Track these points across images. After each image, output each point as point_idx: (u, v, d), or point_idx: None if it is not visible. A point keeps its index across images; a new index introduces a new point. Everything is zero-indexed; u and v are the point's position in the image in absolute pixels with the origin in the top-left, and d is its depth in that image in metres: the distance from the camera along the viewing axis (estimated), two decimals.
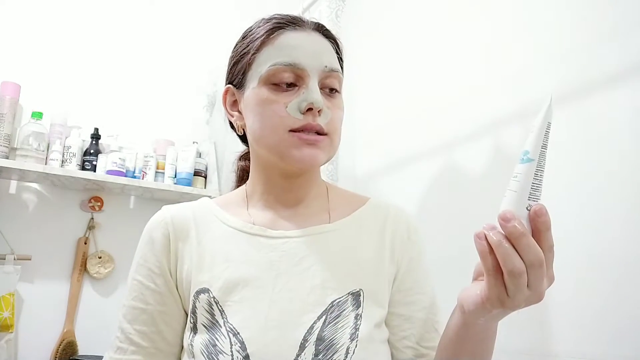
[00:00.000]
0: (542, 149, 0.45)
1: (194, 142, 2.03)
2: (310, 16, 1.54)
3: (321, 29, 0.71)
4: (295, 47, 0.66)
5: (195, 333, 0.64)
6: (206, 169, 2.02)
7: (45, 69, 1.83)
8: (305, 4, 1.55)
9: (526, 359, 0.95)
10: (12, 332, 1.58)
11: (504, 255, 0.43)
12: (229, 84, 0.73)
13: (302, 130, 0.64)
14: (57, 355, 1.67)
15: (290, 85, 0.65)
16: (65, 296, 1.76)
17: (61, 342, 1.70)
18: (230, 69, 0.73)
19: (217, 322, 0.62)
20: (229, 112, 0.74)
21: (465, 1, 1.31)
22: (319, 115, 0.64)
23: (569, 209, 0.94)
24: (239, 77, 0.70)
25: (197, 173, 1.96)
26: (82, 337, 1.75)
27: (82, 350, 1.73)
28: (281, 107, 0.64)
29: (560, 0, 1.04)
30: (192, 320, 0.65)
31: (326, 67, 0.66)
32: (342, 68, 0.73)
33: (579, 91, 0.96)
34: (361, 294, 0.65)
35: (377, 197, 0.79)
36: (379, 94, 1.60)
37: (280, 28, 0.67)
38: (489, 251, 0.44)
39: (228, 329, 0.61)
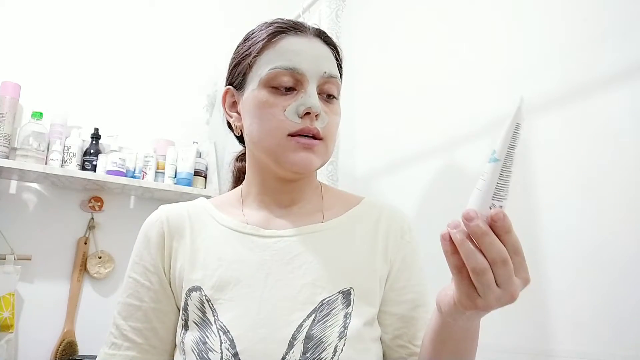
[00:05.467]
0: (510, 150, 0.44)
1: (194, 142, 2.03)
2: (310, 16, 1.55)
3: (322, 35, 0.72)
4: (296, 52, 0.67)
5: (186, 330, 0.65)
6: (206, 169, 2.02)
7: (45, 69, 1.83)
8: (305, 4, 1.55)
9: (526, 358, 0.95)
10: (12, 332, 1.58)
11: (467, 253, 0.43)
12: (229, 85, 0.74)
13: (299, 135, 0.65)
14: (57, 355, 1.67)
15: (289, 89, 0.66)
16: (65, 296, 1.76)
17: (61, 342, 1.70)
18: (231, 71, 0.74)
19: (208, 319, 0.63)
20: (227, 113, 0.75)
21: (466, 1, 1.31)
22: (316, 119, 0.66)
23: (568, 209, 0.94)
24: (239, 78, 0.71)
25: (197, 173, 1.96)
26: (82, 337, 1.75)
27: (82, 350, 1.73)
28: (279, 111, 0.65)
29: (560, 1, 1.04)
30: (183, 318, 0.66)
31: (325, 72, 0.67)
32: (341, 75, 0.74)
33: (579, 91, 0.96)
34: (352, 292, 0.65)
35: (376, 197, 0.79)
36: (379, 94, 1.60)
37: (282, 32, 0.68)
38: (453, 250, 0.45)
39: (218, 326, 0.62)
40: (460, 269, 0.45)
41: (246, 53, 0.70)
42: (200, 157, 2.01)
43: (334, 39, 0.74)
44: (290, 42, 0.68)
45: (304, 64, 0.66)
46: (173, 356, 0.68)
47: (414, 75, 1.45)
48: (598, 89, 0.93)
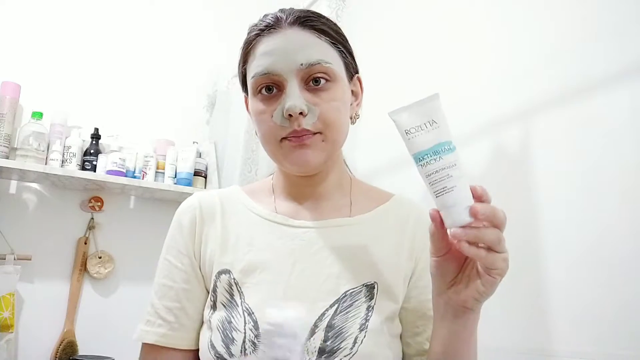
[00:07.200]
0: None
1: (194, 142, 2.03)
2: None
3: (300, 21, 0.67)
4: (268, 53, 0.66)
5: (214, 310, 0.67)
6: (206, 169, 2.02)
7: (45, 69, 1.83)
8: (305, 4, 1.55)
9: (526, 358, 0.95)
10: (12, 332, 1.58)
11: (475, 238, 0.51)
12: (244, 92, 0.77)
13: (290, 137, 0.65)
14: (57, 355, 1.67)
15: (276, 91, 0.66)
16: (65, 296, 1.76)
17: (61, 342, 1.70)
18: (240, 78, 0.76)
19: (235, 301, 0.65)
20: (251, 117, 0.76)
21: (466, 1, 1.31)
22: (304, 116, 0.64)
23: (568, 208, 0.94)
24: (243, 85, 0.74)
25: (197, 173, 1.96)
26: (82, 337, 1.75)
27: (82, 350, 1.73)
28: (268, 117, 0.65)
29: (560, 1, 1.04)
30: (212, 299, 0.68)
31: (302, 64, 0.64)
32: (343, 50, 0.71)
33: (579, 91, 0.96)
34: (375, 286, 0.66)
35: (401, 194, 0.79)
36: (379, 94, 1.60)
37: (258, 35, 0.68)
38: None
39: (244, 308, 0.64)
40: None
41: (239, 61, 0.73)
42: (200, 157, 2.01)
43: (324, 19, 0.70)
44: (264, 45, 0.67)
45: (278, 63, 0.64)
46: (199, 333, 0.70)
47: (414, 75, 1.45)
48: (598, 89, 0.93)
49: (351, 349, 0.61)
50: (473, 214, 0.48)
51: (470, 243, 0.49)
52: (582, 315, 0.88)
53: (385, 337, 0.65)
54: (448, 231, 0.50)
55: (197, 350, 0.68)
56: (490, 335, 1.05)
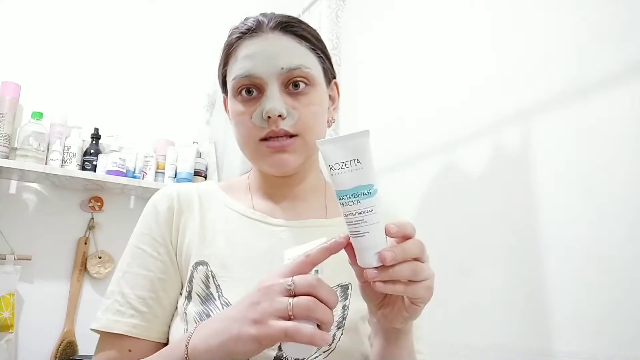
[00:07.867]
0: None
1: (194, 142, 2.03)
2: (310, 17, 1.55)
3: (281, 26, 0.70)
4: (250, 56, 0.67)
5: (189, 301, 0.66)
6: (206, 169, 2.02)
7: (45, 69, 1.83)
8: (305, 4, 1.55)
9: (526, 358, 0.95)
10: (12, 332, 1.58)
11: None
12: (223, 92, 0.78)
13: (269, 138, 0.66)
14: (57, 355, 1.67)
15: (256, 93, 0.68)
16: (65, 296, 1.76)
17: (61, 342, 1.70)
18: (220, 79, 0.77)
19: (212, 294, 0.65)
20: (230, 119, 0.77)
21: (466, 1, 1.31)
22: (282, 119, 0.66)
23: (569, 208, 0.94)
24: (223, 87, 0.75)
25: (197, 173, 1.96)
26: (82, 337, 1.75)
27: (82, 350, 1.73)
28: (247, 118, 0.67)
29: (560, 0, 1.04)
30: (187, 289, 0.67)
31: (283, 68, 0.66)
32: (322, 55, 0.72)
33: (579, 91, 0.96)
34: (349, 287, 0.67)
35: None
36: (379, 95, 1.60)
37: (239, 38, 0.70)
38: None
39: (223, 302, 0.64)
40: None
41: (220, 63, 0.74)
42: (200, 157, 2.02)
43: (328, 30, 0.73)
44: (246, 48, 0.68)
45: (258, 67, 0.66)
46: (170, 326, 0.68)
47: (414, 76, 1.45)
48: (598, 89, 0.93)
49: (329, 345, 0.62)
50: (381, 260, 0.48)
51: (385, 281, 0.49)
52: (582, 315, 0.88)
53: (361, 335, 0.66)
54: (364, 271, 0.50)
55: (164, 343, 0.67)
56: (491, 335, 1.05)
